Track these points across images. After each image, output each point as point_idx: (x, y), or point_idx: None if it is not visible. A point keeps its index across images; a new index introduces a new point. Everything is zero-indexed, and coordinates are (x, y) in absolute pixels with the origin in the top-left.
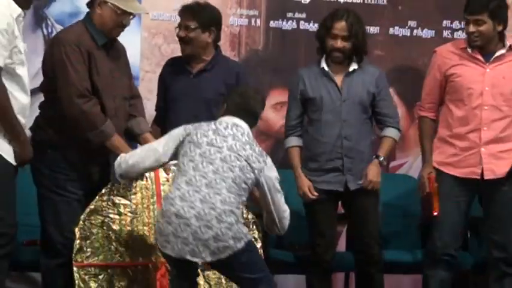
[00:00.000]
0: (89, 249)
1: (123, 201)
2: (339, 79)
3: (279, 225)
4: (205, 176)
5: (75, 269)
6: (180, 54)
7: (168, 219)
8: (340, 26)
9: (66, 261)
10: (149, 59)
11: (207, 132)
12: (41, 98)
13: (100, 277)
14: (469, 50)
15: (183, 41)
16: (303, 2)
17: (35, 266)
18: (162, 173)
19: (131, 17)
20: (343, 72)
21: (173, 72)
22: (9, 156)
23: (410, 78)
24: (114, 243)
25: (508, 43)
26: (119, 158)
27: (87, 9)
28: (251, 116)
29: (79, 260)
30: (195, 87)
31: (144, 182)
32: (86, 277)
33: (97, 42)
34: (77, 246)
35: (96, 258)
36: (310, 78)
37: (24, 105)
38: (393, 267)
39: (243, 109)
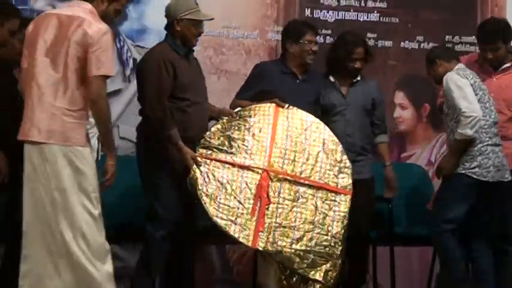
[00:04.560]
0: (208, 149)
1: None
2: (344, 89)
3: None
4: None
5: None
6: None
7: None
8: (360, 50)
9: (167, 235)
10: (202, 68)
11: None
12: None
13: (211, 165)
14: (479, 64)
15: (315, 54)
16: (328, 20)
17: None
18: (282, 112)
19: (202, 24)
20: (348, 83)
21: (279, 75)
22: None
23: (418, 84)
24: (231, 145)
25: None
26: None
27: (152, 27)
28: None
29: (200, 152)
30: (303, 90)
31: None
32: (202, 161)
33: (179, 52)
34: (203, 144)
35: (214, 153)
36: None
37: None
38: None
39: None
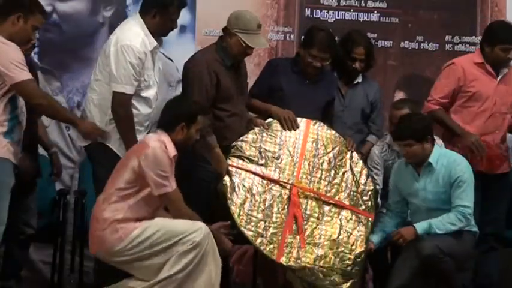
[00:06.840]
0: (239, 158)
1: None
2: (344, 89)
3: None
4: None
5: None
6: None
7: None
8: (360, 50)
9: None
10: None
11: None
12: None
13: (242, 175)
14: (486, 66)
15: (316, 69)
16: (328, 20)
17: None
18: (312, 129)
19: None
20: (348, 83)
21: (289, 72)
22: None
23: (417, 84)
24: (262, 156)
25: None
26: None
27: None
28: None
29: (231, 161)
30: (310, 92)
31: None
32: (233, 171)
33: (224, 63)
34: (234, 152)
35: (244, 163)
36: None
37: (146, 115)
38: None
39: None
